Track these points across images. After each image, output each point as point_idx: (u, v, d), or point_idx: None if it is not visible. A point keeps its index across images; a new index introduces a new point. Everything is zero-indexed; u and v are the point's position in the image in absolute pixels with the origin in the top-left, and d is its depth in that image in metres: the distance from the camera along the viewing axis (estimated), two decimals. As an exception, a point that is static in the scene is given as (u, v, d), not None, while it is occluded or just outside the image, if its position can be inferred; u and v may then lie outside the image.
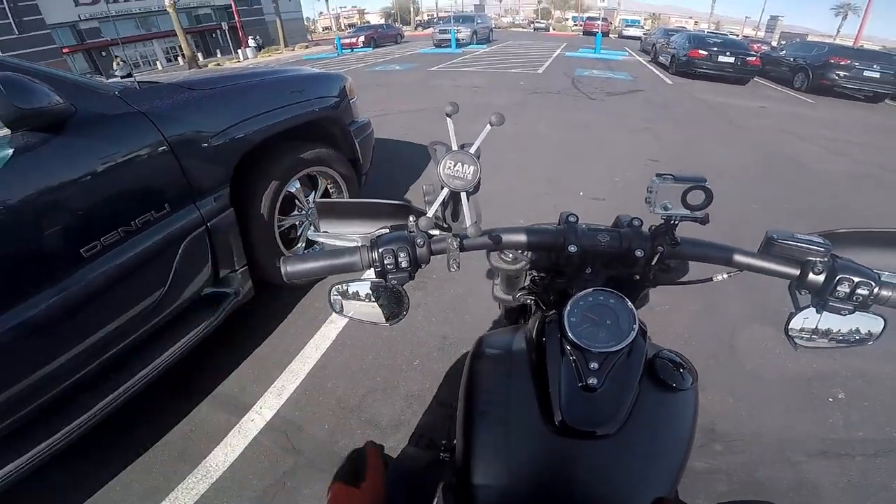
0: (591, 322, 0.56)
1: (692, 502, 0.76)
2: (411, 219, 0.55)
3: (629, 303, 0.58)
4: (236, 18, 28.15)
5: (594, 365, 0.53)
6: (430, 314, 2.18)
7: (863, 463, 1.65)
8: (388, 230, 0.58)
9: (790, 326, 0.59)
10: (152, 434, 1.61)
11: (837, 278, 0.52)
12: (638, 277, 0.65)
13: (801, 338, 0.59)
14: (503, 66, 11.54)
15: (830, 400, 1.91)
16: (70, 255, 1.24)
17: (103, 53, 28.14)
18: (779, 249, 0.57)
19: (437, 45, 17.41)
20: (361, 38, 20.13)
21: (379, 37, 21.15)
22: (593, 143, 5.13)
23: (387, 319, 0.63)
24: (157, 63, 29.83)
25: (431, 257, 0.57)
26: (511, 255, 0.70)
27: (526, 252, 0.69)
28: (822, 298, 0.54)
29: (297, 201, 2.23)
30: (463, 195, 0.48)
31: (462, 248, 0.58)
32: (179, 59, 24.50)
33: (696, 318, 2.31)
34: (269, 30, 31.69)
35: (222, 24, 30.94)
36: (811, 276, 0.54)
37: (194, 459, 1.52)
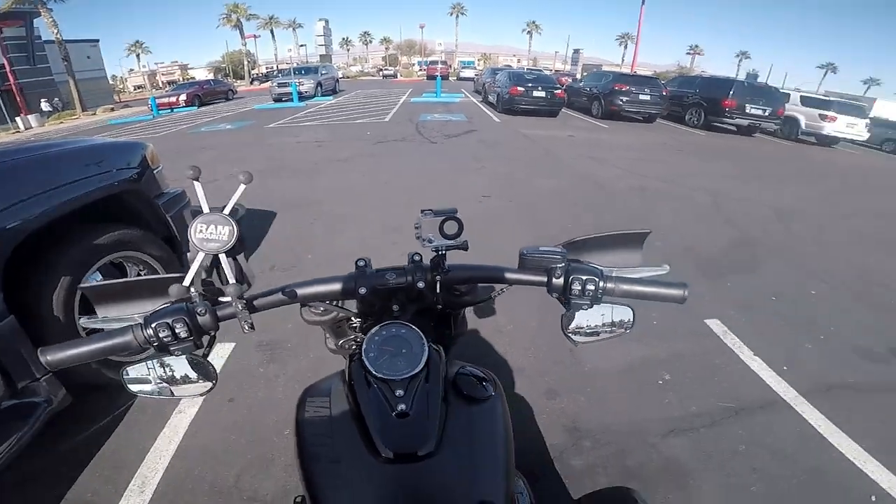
0: (389, 353, 0.60)
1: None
2: (192, 290, 0.54)
3: (417, 330, 0.62)
4: (11, 80, 22.96)
5: (399, 392, 0.57)
6: (290, 383, 2.10)
7: (707, 433, 1.88)
8: (170, 304, 0.57)
9: (563, 329, 0.65)
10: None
11: (570, 279, 0.61)
12: (440, 306, 0.70)
13: (577, 335, 0.66)
14: (350, 118, 11.72)
15: (660, 382, 2.20)
16: None
17: None
18: (530, 262, 0.65)
19: (277, 100, 16.73)
20: (183, 97, 18.17)
21: (205, 93, 19.55)
22: (435, 186, 5.44)
23: (192, 391, 0.60)
24: None
25: (221, 323, 0.58)
26: (321, 307, 0.72)
27: (336, 302, 0.71)
28: (566, 297, 0.62)
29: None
30: (222, 256, 0.49)
31: (253, 309, 0.60)
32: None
33: (537, 332, 2.54)
34: (62, 91, 26.50)
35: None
36: (554, 280, 0.62)
37: None
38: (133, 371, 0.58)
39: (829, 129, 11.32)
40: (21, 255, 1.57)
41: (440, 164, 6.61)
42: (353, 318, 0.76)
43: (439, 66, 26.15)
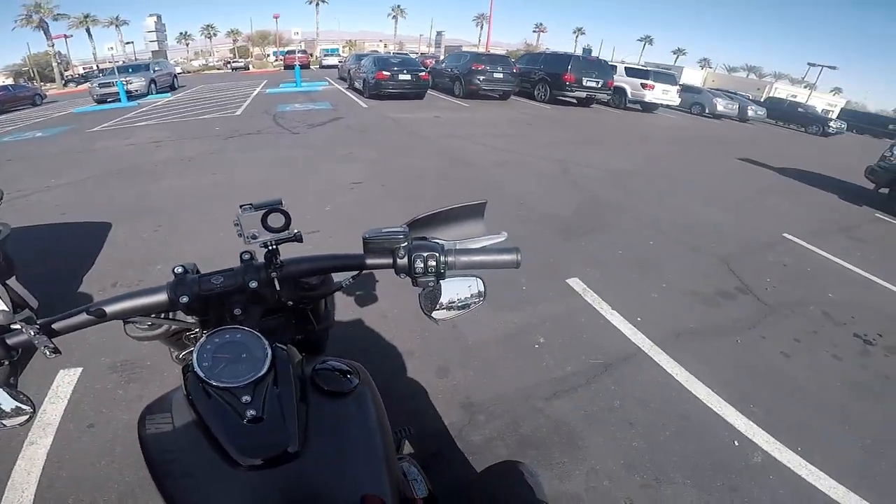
0: (226, 360, 0.56)
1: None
2: None
3: (255, 332, 0.58)
4: None
5: (246, 398, 0.53)
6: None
7: (584, 393, 1.99)
8: None
9: (422, 308, 0.66)
10: None
11: (413, 256, 0.61)
12: (290, 303, 0.67)
13: (436, 311, 0.67)
14: (193, 114, 10.28)
15: (536, 346, 2.30)
16: None
17: None
18: (375, 245, 0.63)
19: (101, 101, 13.93)
20: None
21: (5, 100, 16.19)
22: (300, 177, 5.10)
23: (11, 422, 0.56)
24: None
25: (15, 352, 0.55)
26: (146, 322, 0.65)
27: (164, 315, 0.65)
28: (412, 276, 0.62)
29: None
30: None
31: (51, 333, 0.55)
32: None
33: (420, 314, 2.52)
34: None
35: None
36: (399, 261, 0.62)
37: None
38: None
39: (649, 96, 13.48)
40: None
41: (304, 154, 6.21)
42: (191, 329, 0.70)
43: (298, 54, 24.43)
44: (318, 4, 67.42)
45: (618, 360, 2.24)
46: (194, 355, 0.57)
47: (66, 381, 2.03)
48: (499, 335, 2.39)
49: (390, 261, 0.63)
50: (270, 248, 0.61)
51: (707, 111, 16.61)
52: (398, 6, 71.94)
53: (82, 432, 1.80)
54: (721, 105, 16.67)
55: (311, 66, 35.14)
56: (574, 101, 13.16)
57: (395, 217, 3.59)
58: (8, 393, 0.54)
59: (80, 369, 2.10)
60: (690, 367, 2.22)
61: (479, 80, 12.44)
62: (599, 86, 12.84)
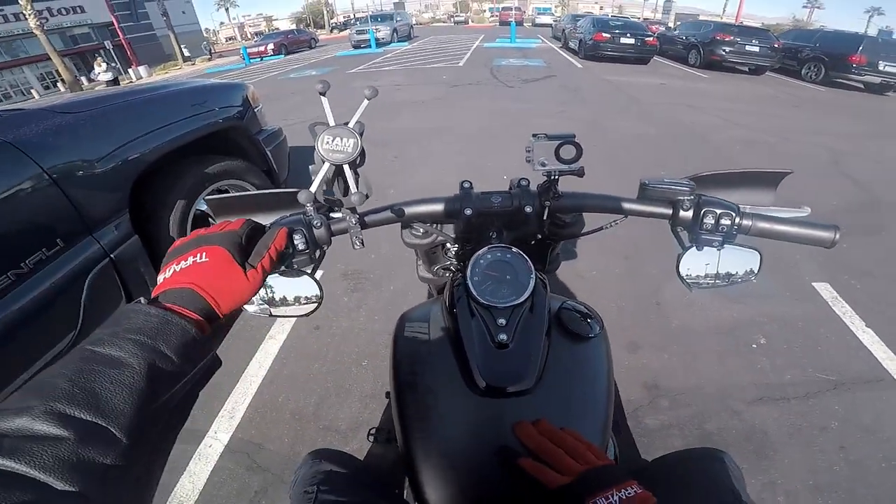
0: (493, 279, 0.58)
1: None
2: (308, 203, 0.52)
3: (524, 256, 0.59)
4: (121, 36, 25.06)
5: (502, 321, 0.55)
6: (371, 313, 2.21)
7: (798, 406, 1.75)
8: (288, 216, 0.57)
9: (680, 269, 0.60)
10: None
11: (703, 211, 0.56)
12: (540, 236, 0.68)
13: (692, 279, 0.61)
14: (425, 62, 11.63)
15: (754, 346, 2.04)
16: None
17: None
18: (652, 193, 0.61)
19: (356, 47, 17.10)
20: (270, 46, 19.00)
21: (290, 43, 20.20)
22: (513, 128, 5.35)
23: (302, 310, 0.58)
24: (34, 91, 25.44)
25: (333, 238, 0.57)
26: (421, 230, 0.71)
27: (436, 225, 0.70)
28: (694, 233, 0.58)
29: (210, 219, 2.16)
30: (346, 167, 0.50)
31: (364, 225, 0.59)
32: (59, 84, 21.10)
33: (622, 280, 2.47)
34: (164, 45, 28.71)
35: (105, 42, 27.68)
36: (681, 213, 0.58)
37: (162, 490, 1.46)
38: None
39: None
40: (145, 183, 1.77)
41: (518, 107, 6.45)
42: (448, 245, 0.74)
43: (513, 11, 24.68)
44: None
45: (854, 382, 1.87)
46: (468, 268, 0.59)
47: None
48: (710, 325, 2.16)
49: (669, 211, 0.59)
50: (553, 177, 0.60)
51: None
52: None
53: (309, 333, 2.07)
54: None
55: (525, 24, 35.01)
56: (860, 86, 10.03)
57: (605, 183, 3.30)
58: (308, 281, 0.55)
59: (321, 272, 2.50)
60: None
61: (724, 50, 10.55)
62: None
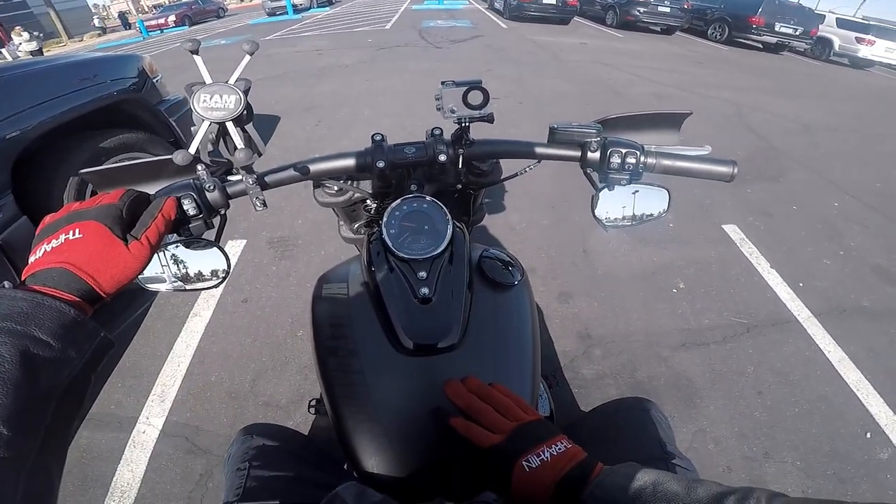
0: (411, 231, 0.57)
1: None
2: (199, 167, 0.49)
3: (440, 203, 0.59)
4: None
5: (422, 274, 0.54)
6: (302, 280, 2.14)
7: (717, 350, 1.82)
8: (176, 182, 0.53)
9: (596, 212, 0.61)
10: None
11: (609, 151, 0.57)
12: (460, 186, 0.68)
13: (607, 219, 0.63)
14: (349, 27, 11.04)
15: (674, 291, 2.12)
16: None
17: None
18: (561, 137, 0.61)
19: (271, 14, 15.76)
20: (172, 17, 17.50)
21: (195, 13, 18.69)
22: (442, 89, 5.34)
23: (210, 282, 0.55)
24: None
25: (233, 200, 0.54)
26: (335, 187, 0.69)
27: (351, 181, 0.68)
28: (603, 172, 0.59)
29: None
30: (230, 125, 0.46)
31: (264, 186, 0.56)
32: None
33: (550, 230, 2.53)
34: (43, 22, 24.77)
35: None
36: (589, 154, 0.59)
37: (102, 482, 1.38)
38: (147, 270, 0.51)
39: (864, 52, 10.97)
40: (29, 161, 1.68)
41: (446, 66, 6.42)
42: (368, 201, 0.72)
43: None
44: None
45: (764, 324, 1.99)
46: (384, 220, 0.58)
47: (232, 252, 2.16)
48: (634, 271, 2.23)
49: (578, 153, 0.60)
50: (464, 124, 0.59)
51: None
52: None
53: (237, 306, 1.98)
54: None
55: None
56: (759, 45, 11.04)
57: (531, 133, 3.44)
58: (213, 252, 0.53)
59: (244, 241, 2.34)
60: (849, 348, 1.92)
61: (638, 10, 10.98)
62: (797, 33, 10.62)
